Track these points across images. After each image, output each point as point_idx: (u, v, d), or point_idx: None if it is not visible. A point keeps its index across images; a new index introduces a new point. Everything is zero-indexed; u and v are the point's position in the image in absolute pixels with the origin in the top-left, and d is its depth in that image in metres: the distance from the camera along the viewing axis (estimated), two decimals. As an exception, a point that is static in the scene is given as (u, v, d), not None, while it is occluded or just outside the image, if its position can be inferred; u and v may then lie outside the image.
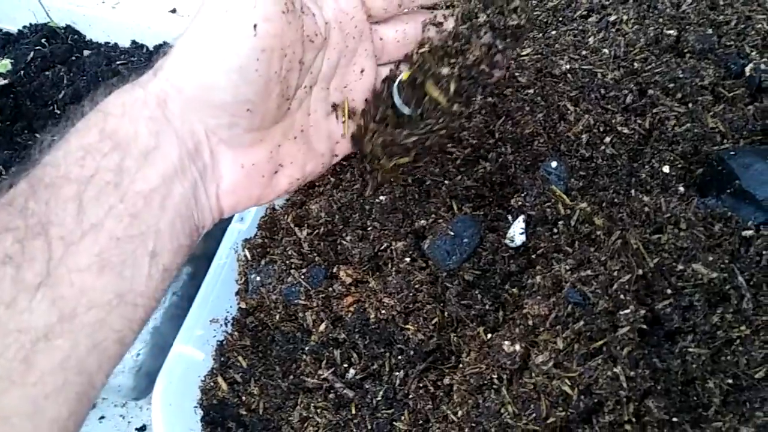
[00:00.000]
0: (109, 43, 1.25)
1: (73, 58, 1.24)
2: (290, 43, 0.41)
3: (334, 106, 0.48)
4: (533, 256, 0.55)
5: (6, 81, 1.18)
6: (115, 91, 0.40)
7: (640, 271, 0.48)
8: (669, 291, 0.47)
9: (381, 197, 0.65)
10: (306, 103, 0.47)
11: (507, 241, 0.57)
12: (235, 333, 0.66)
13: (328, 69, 0.46)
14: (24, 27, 1.28)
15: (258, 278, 0.66)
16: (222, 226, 0.74)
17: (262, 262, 0.67)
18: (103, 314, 0.36)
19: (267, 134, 0.44)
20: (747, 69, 0.59)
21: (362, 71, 0.48)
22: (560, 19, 0.73)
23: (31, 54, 1.24)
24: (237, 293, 0.68)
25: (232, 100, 0.40)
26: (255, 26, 0.38)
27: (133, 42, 1.24)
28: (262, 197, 0.47)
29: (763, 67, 0.58)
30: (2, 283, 0.33)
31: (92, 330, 0.36)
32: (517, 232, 0.57)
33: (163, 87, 0.40)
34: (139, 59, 1.22)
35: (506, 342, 0.50)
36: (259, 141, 0.44)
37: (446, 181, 0.59)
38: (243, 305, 0.67)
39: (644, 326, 0.47)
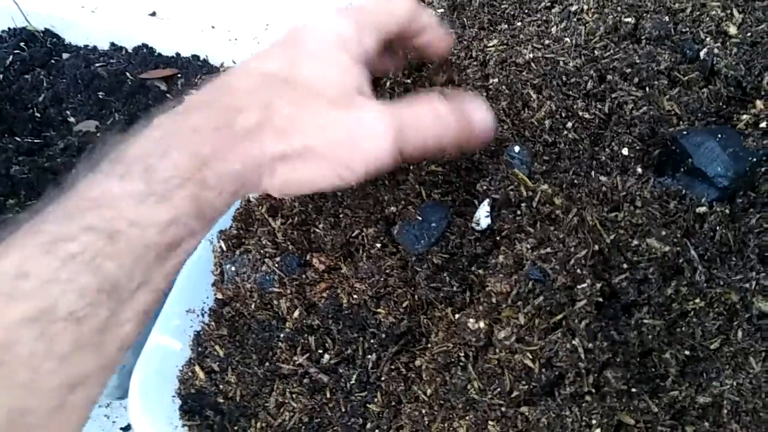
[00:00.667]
0: (88, 46, 1.26)
1: (53, 61, 1.25)
2: None
3: None
4: (498, 238, 0.57)
5: (-15, 86, 1.19)
6: (213, 153, 0.41)
7: (597, 247, 0.49)
8: (625, 265, 0.49)
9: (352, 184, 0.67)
10: None
11: (473, 225, 0.59)
12: (212, 323, 0.67)
13: None
14: (2, 31, 1.28)
15: (233, 268, 0.67)
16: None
17: (237, 253, 0.68)
18: (122, 355, 0.39)
19: None
20: (701, 53, 0.61)
21: None
22: (526, 10, 0.75)
23: (10, 58, 1.24)
24: (213, 284, 0.69)
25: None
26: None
27: (112, 44, 1.25)
28: None
29: (716, 51, 0.60)
30: (61, 339, 0.33)
31: (109, 373, 0.38)
32: (482, 216, 0.58)
33: (242, 182, 0.44)
34: (118, 61, 1.23)
35: (471, 320, 0.52)
36: None
37: (412, 167, 0.60)
38: (219, 295, 0.68)
39: (601, 299, 0.49)
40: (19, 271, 0.33)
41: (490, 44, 0.71)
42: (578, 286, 0.48)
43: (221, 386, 0.65)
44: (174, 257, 0.40)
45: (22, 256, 0.34)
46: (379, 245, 0.62)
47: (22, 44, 1.25)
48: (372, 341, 0.60)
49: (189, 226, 0.40)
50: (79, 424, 0.36)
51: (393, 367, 0.59)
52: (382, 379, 0.59)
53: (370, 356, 0.60)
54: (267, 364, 0.63)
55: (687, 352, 0.50)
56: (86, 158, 0.41)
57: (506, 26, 0.74)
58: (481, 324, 0.51)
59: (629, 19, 0.65)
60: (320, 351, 0.62)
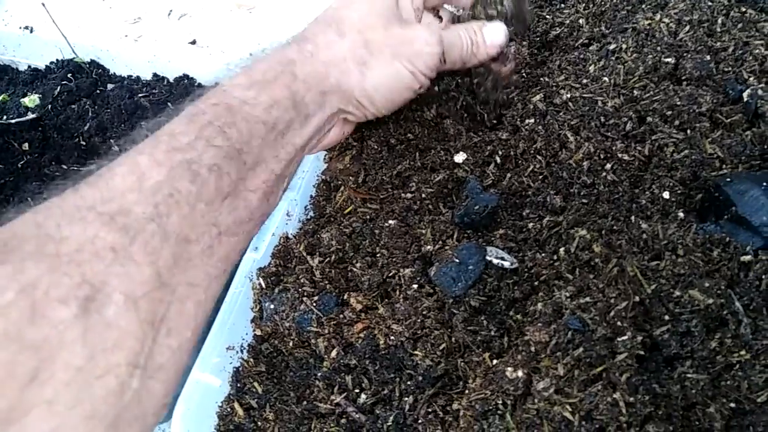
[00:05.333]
0: (131, 76, 1.30)
1: (98, 91, 1.29)
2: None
3: None
4: (536, 283, 0.57)
5: (34, 115, 1.24)
6: (299, 59, 0.53)
7: (637, 298, 0.49)
8: (667, 317, 0.48)
9: (390, 221, 0.67)
10: None
11: (498, 262, 0.59)
12: (251, 359, 0.69)
13: None
14: (51, 63, 1.34)
15: (272, 306, 0.68)
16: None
17: (276, 290, 0.69)
18: (253, 228, 0.48)
19: None
20: (744, 95, 0.60)
21: None
22: (562, 47, 0.75)
23: (58, 89, 1.29)
24: (252, 320, 0.71)
25: (374, 111, 0.58)
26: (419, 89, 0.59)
27: (155, 75, 1.28)
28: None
29: (760, 92, 0.59)
30: (208, 185, 0.43)
31: (245, 238, 0.47)
32: (506, 254, 0.58)
33: (331, 82, 0.54)
34: (160, 91, 1.26)
35: (509, 368, 0.52)
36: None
37: (444, 209, 0.61)
38: (258, 332, 0.69)
39: (642, 352, 0.48)
40: (171, 132, 0.44)
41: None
42: (619, 339, 0.48)
43: (260, 423, 0.65)
44: (282, 144, 0.49)
45: (172, 124, 0.45)
46: (416, 286, 0.62)
47: (69, 75, 1.30)
48: (409, 383, 0.60)
49: (288, 113, 0.49)
50: (223, 273, 0.45)
51: (430, 410, 0.59)
52: (419, 421, 0.59)
53: (407, 398, 0.60)
54: (305, 402, 0.64)
55: (732, 405, 0.49)
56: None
57: (542, 64, 0.74)
58: (520, 373, 0.51)
59: (669, 59, 0.64)
60: (357, 390, 0.63)
